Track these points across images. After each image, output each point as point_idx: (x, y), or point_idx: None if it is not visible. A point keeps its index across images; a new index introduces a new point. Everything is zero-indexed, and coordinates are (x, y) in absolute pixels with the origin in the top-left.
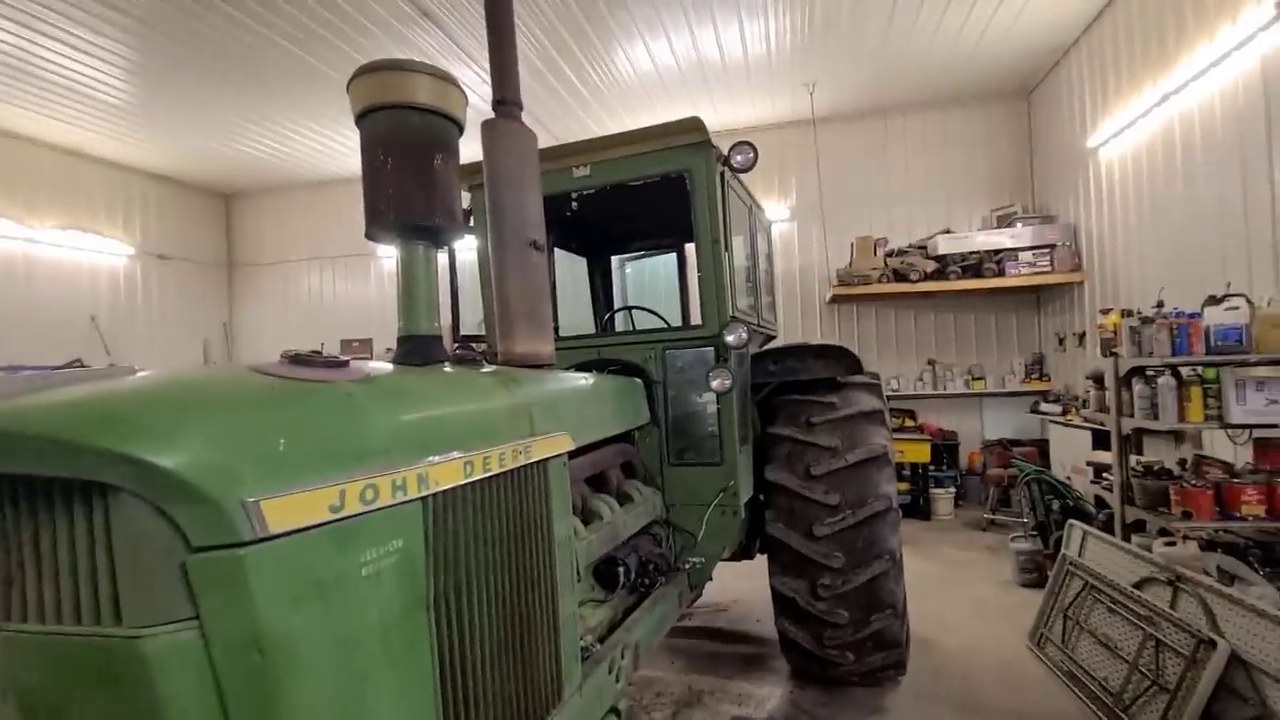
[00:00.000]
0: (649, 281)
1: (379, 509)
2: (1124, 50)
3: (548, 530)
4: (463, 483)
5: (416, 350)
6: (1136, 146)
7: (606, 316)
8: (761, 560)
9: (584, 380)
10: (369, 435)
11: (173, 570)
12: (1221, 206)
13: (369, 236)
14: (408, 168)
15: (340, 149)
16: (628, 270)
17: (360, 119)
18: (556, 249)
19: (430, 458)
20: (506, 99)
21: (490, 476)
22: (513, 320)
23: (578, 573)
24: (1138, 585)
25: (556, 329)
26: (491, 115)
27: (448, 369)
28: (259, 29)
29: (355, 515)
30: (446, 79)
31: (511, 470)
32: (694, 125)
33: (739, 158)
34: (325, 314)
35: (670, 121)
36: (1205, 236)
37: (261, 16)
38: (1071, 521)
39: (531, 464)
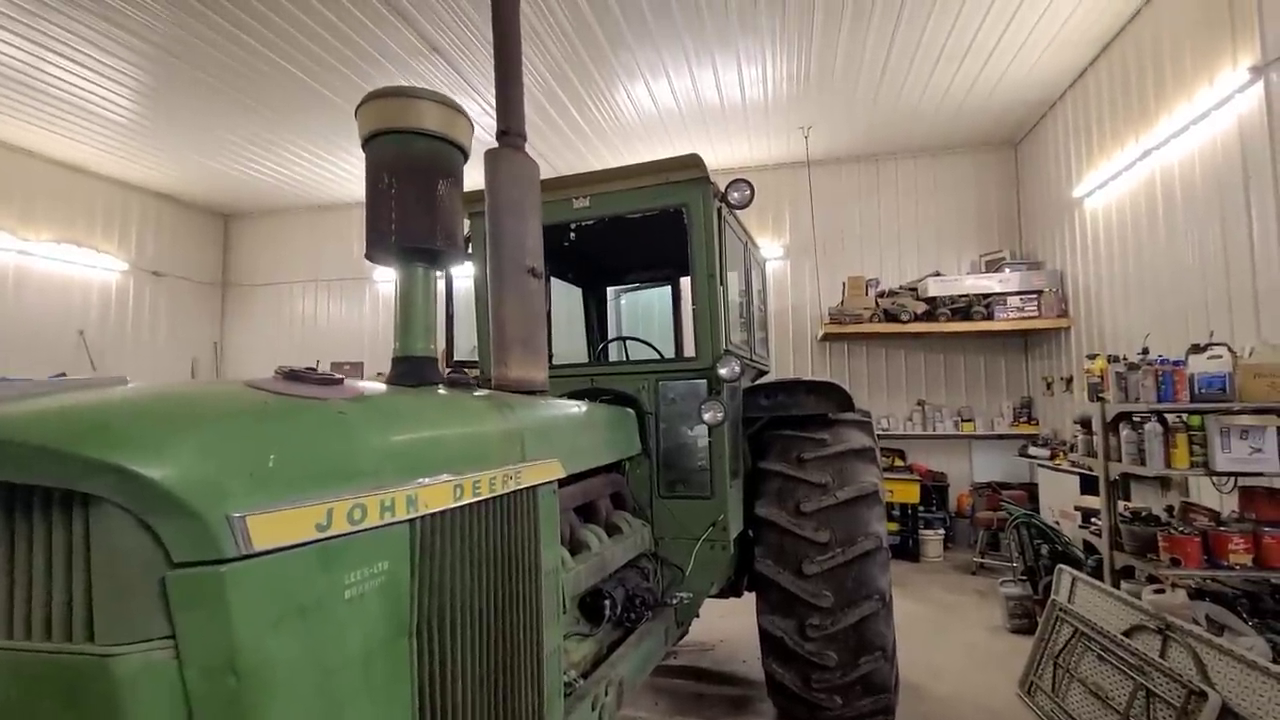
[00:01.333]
0: (643, 313)
1: (366, 530)
2: (1107, 107)
3: (535, 559)
4: (451, 506)
5: (411, 371)
6: (1120, 198)
7: (601, 346)
8: (747, 599)
9: (577, 408)
10: (359, 454)
11: (151, 586)
12: (1202, 257)
13: (369, 258)
14: (412, 191)
15: (342, 174)
16: (622, 302)
17: (367, 142)
18: (553, 278)
19: (420, 479)
20: (511, 129)
21: (479, 501)
22: (508, 345)
23: (564, 604)
24: (1127, 633)
25: (551, 357)
26: (495, 145)
27: (441, 391)
28: (273, 57)
29: (342, 535)
30: (453, 107)
31: (501, 495)
32: (693, 162)
33: (736, 195)
34: (318, 336)
35: (670, 157)
36: (1187, 286)
37: (276, 45)
38: (1061, 567)
39: (521, 490)
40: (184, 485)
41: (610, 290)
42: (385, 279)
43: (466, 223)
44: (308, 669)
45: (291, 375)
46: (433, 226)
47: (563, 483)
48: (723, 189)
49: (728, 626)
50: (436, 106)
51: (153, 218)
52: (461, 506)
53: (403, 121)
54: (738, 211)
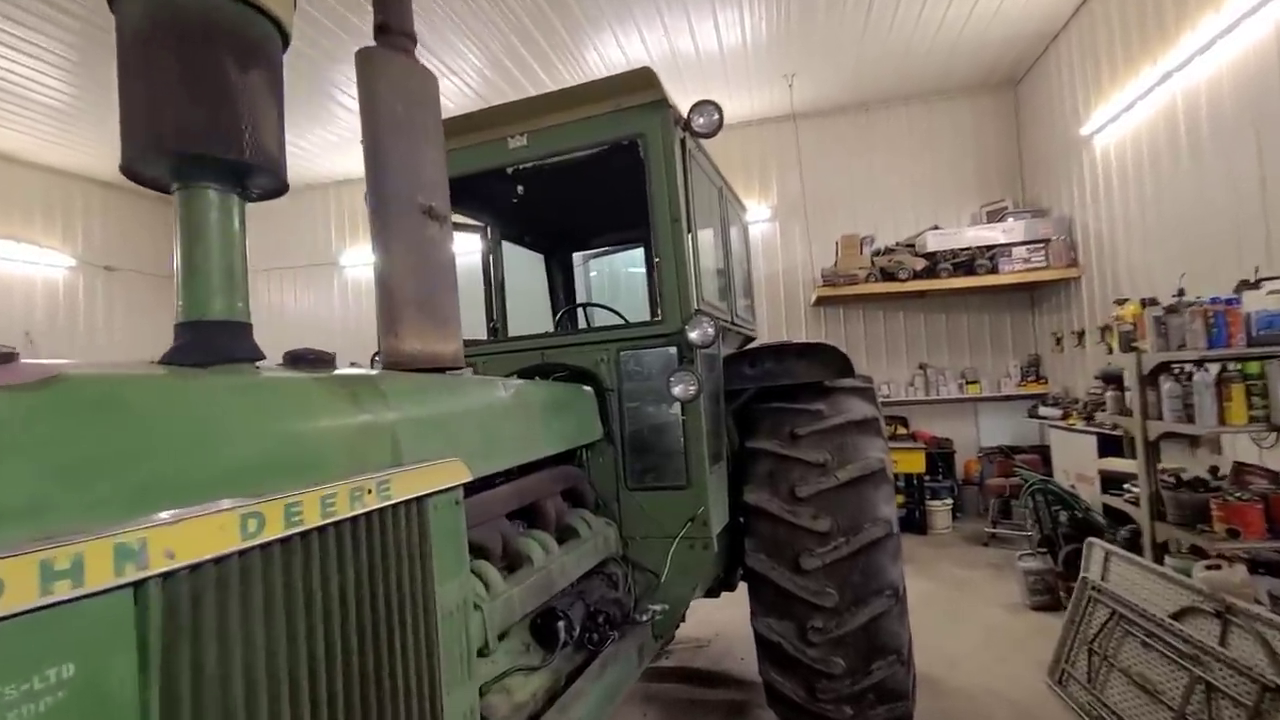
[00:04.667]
0: (624, 281)
1: (2, 619)
2: (1118, 32)
3: (422, 598)
4: (240, 548)
5: (199, 343)
6: (1135, 130)
7: (559, 315)
8: (742, 589)
9: (501, 389)
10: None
11: None
12: (1234, 184)
13: (130, 173)
14: (190, 71)
15: (301, 152)
16: (592, 271)
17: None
18: (506, 243)
19: (158, 514)
20: (392, 25)
21: (302, 532)
22: (399, 309)
23: (487, 642)
24: (1177, 616)
25: (501, 331)
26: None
27: (245, 371)
28: None
29: None
30: None
31: (351, 519)
32: (645, 80)
33: (701, 120)
34: (287, 327)
35: (618, 74)
36: (1216, 218)
37: None
38: (1091, 540)
39: (393, 505)
40: None
41: (577, 256)
42: (353, 264)
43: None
44: None
45: None
46: (233, 126)
47: (480, 485)
48: (685, 114)
49: (722, 618)
50: None
51: (98, 208)
52: (263, 545)
53: None
54: (708, 146)
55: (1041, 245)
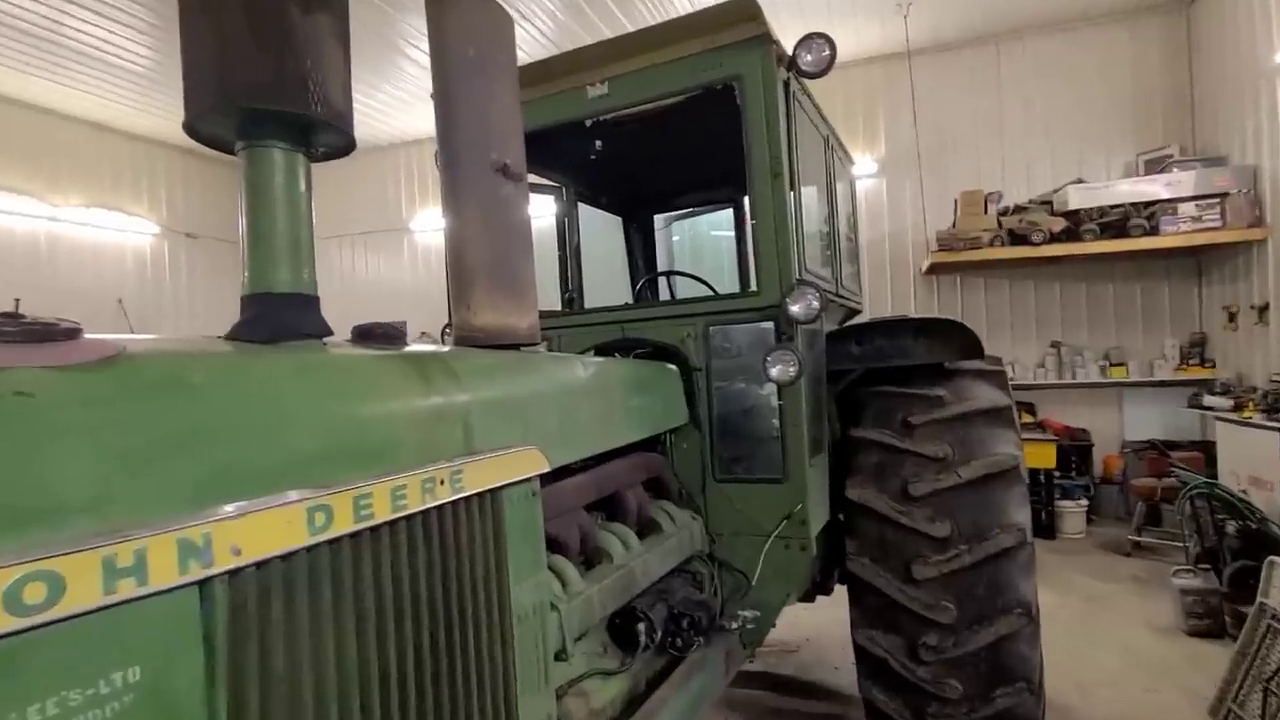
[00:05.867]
0: (709, 246)
1: (68, 618)
2: None
3: (498, 599)
4: (307, 543)
5: (266, 317)
6: None
7: (640, 284)
8: (839, 592)
9: (580, 368)
10: (55, 473)
11: None
12: None
13: (192, 131)
14: (257, 23)
15: (368, 111)
16: (674, 236)
17: None
18: (583, 204)
19: (224, 507)
20: None
21: (371, 527)
22: (471, 278)
23: (564, 646)
24: None
25: (577, 303)
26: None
27: (312, 349)
28: None
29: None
30: None
31: (422, 512)
32: (746, 11)
33: (809, 57)
34: (359, 294)
35: (713, 6)
36: None
37: None
38: (1274, 559)
39: (466, 498)
40: None
41: (658, 219)
42: (423, 229)
43: None
44: None
45: None
46: (298, 79)
47: (556, 475)
48: (791, 51)
49: (814, 622)
50: None
51: (181, 176)
52: (331, 541)
53: None
54: (812, 87)
55: (1216, 201)
